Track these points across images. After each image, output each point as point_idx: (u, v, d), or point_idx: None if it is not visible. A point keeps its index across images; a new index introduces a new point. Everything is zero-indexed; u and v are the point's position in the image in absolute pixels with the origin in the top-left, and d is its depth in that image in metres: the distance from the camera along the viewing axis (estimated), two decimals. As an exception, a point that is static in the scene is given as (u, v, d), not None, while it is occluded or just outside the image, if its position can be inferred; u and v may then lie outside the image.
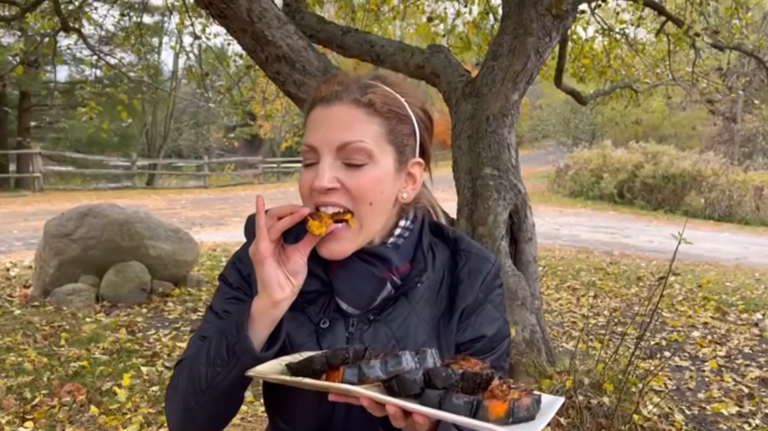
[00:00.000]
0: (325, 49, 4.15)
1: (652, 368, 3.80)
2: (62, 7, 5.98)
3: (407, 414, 0.76)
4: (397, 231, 1.00)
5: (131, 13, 8.19)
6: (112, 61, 8.94)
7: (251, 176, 23.98)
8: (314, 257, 0.96)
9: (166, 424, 3.02)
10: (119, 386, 3.48)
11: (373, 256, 0.97)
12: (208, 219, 11.74)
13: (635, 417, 2.91)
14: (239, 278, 1.03)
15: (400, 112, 0.96)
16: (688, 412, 3.39)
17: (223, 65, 7.43)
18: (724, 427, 3.24)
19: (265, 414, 1.09)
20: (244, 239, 1.02)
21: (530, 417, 0.73)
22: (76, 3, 6.60)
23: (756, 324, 5.39)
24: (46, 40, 6.92)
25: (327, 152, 0.92)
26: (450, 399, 0.73)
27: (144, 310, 5.21)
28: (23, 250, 7.74)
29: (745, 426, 3.28)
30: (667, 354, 4.49)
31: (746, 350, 4.66)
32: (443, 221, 1.09)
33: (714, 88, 8.21)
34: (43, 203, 13.50)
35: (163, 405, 3.32)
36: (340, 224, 0.91)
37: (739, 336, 5.00)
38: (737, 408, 3.50)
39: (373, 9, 6.33)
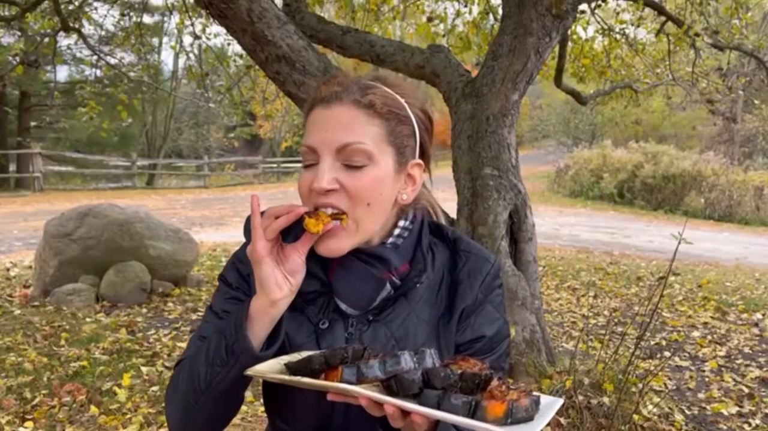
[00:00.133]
0: (325, 49, 4.15)
1: (652, 368, 3.80)
2: (62, 7, 5.97)
3: (406, 413, 0.76)
4: (396, 231, 1.00)
5: (131, 13, 8.19)
6: (112, 61, 8.93)
7: (251, 176, 23.98)
8: (313, 258, 0.96)
9: (166, 424, 3.02)
10: (119, 386, 3.48)
11: (372, 256, 0.96)
12: (208, 219, 11.74)
13: (635, 417, 2.91)
14: (239, 278, 1.03)
15: (400, 113, 0.96)
16: (688, 412, 3.39)
17: (223, 65, 7.43)
18: (724, 427, 3.24)
19: (265, 414, 1.09)
20: (243, 239, 1.02)
21: (529, 418, 0.73)
22: (76, 3, 6.60)
23: (756, 324, 5.39)
24: (46, 40, 6.92)
25: (327, 153, 0.92)
26: (448, 399, 0.73)
27: (144, 310, 5.21)
28: (23, 250, 7.74)
29: (745, 426, 3.28)
30: (667, 354, 4.49)
31: (746, 350, 4.66)
32: (443, 221, 1.09)
33: (714, 88, 8.21)
34: (43, 203, 13.50)
35: (163, 405, 3.32)
36: (337, 222, 0.91)
37: (739, 336, 5.00)
38: (737, 408, 3.50)
39: (373, 9, 6.33)
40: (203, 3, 3.03)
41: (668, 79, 7.60)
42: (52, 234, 5.41)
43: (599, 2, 5.95)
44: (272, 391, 1.04)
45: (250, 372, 0.88)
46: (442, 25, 6.49)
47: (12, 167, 18.41)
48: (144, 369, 3.77)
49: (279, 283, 0.91)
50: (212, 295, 1.07)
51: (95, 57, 7.70)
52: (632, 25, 6.74)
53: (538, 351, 3.32)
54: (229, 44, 8.19)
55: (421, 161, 1.00)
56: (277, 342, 0.93)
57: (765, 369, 4.22)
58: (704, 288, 6.79)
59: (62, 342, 4.24)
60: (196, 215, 12.33)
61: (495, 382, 0.78)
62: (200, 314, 5.15)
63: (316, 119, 0.95)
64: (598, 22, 6.95)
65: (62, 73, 20.29)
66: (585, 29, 7.10)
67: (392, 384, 0.77)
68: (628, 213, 15.60)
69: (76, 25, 6.35)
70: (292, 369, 0.84)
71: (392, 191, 0.96)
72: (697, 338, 4.92)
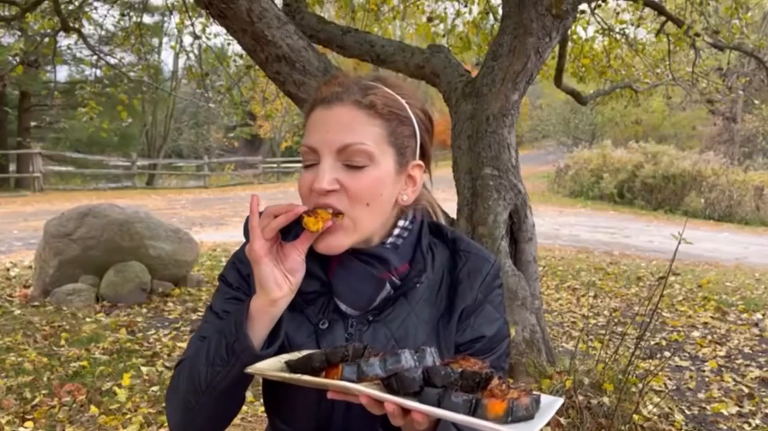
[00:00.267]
0: (325, 49, 4.15)
1: (652, 368, 3.80)
2: (62, 7, 5.97)
3: (406, 412, 0.76)
4: (396, 231, 1.00)
5: (131, 13, 8.19)
6: (112, 61, 8.93)
7: (251, 176, 23.98)
8: (313, 258, 0.96)
9: (166, 424, 3.03)
10: (119, 386, 3.48)
11: (371, 256, 0.96)
12: (208, 219, 11.74)
13: (635, 417, 2.91)
14: (239, 278, 1.03)
15: (401, 113, 0.96)
16: (688, 412, 3.39)
17: (223, 65, 7.43)
18: (724, 427, 3.24)
19: (265, 415, 1.09)
20: (243, 239, 1.02)
21: (529, 417, 0.73)
22: (76, 3, 6.60)
23: (756, 324, 5.39)
24: (46, 40, 6.92)
25: (327, 153, 0.92)
26: (449, 397, 0.73)
27: (144, 310, 5.21)
28: (23, 250, 7.74)
29: (745, 426, 3.28)
30: (667, 354, 4.49)
31: (746, 350, 4.66)
32: (443, 221, 1.09)
33: (714, 88, 8.21)
34: (43, 203, 13.50)
35: (164, 405, 3.32)
36: (336, 219, 0.91)
37: (739, 336, 5.00)
38: (737, 408, 3.50)
39: (373, 9, 6.33)
40: (203, 3, 3.03)
41: (668, 79, 7.60)
42: (52, 234, 5.41)
43: (599, 2, 5.95)
44: (272, 391, 1.04)
45: (250, 370, 0.88)
46: (442, 25, 6.49)
47: (12, 167, 18.42)
48: (144, 369, 3.77)
49: (278, 282, 0.91)
50: (212, 295, 1.06)
51: (95, 57, 7.70)
52: (632, 25, 6.74)
53: (538, 351, 3.32)
54: (229, 44, 8.20)
55: (421, 162, 1.00)
56: (277, 341, 0.93)
57: (765, 369, 4.22)
58: (704, 288, 6.79)
59: (62, 342, 4.24)
60: (196, 215, 12.33)
61: (495, 381, 0.78)
62: (200, 314, 5.15)
63: (317, 119, 0.94)
64: (598, 22, 6.95)
65: (62, 73, 20.32)
66: (585, 29, 7.10)
67: (393, 382, 0.77)
68: (628, 213, 15.60)
69: (76, 25, 6.35)
70: (292, 366, 0.84)
71: (392, 192, 0.96)
72: (697, 338, 4.92)
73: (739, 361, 4.38)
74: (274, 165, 25.84)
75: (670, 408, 3.32)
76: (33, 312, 4.96)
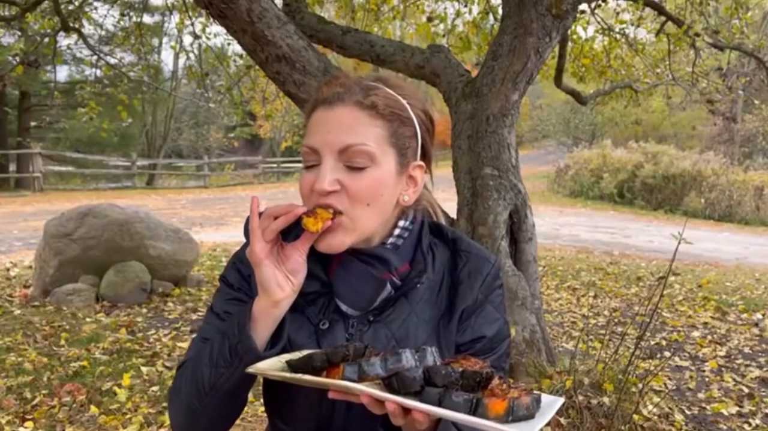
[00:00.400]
0: (325, 49, 4.15)
1: (652, 368, 3.80)
2: (62, 7, 5.98)
3: (407, 411, 0.76)
4: (397, 232, 1.00)
5: (131, 13, 8.19)
6: (112, 61, 8.93)
7: (251, 176, 23.99)
8: (314, 258, 0.96)
9: (166, 424, 3.03)
10: (119, 386, 3.48)
11: (372, 257, 0.96)
12: (208, 219, 11.74)
13: (635, 417, 2.91)
14: (240, 278, 1.03)
15: (402, 114, 0.96)
16: (688, 412, 3.39)
17: (223, 65, 7.43)
18: (724, 427, 3.24)
19: (265, 415, 1.09)
20: (244, 239, 1.02)
21: (530, 416, 0.73)
22: (76, 3, 6.60)
23: (756, 324, 5.39)
24: (46, 40, 6.92)
25: (329, 154, 0.92)
26: (450, 396, 0.73)
27: (144, 310, 5.21)
28: (23, 250, 7.74)
29: (745, 426, 3.28)
30: (667, 354, 4.49)
31: (746, 350, 4.66)
32: (443, 221, 1.09)
33: (714, 88, 8.21)
34: (43, 203, 13.50)
35: (164, 405, 3.33)
36: (336, 218, 0.91)
37: (739, 336, 5.00)
38: (737, 408, 3.50)
39: (373, 9, 6.33)
40: (203, 3, 3.03)
41: (668, 79, 7.60)
42: (52, 234, 5.41)
43: (599, 2, 5.95)
44: (273, 392, 1.04)
45: (251, 369, 0.88)
46: (442, 25, 6.49)
47: (12, 167, 18.42)
48: (144, 369, 3.77)
49: (280, 283, 0.91)
50: (213, 296, 1.06)
51: (95, 57, 7.70)
52: (632, 25, 6.74)
53: (538, 351, 3.32)
54: (229, 44, 8.20)
55: (422, 163, 1.00)
56: (280, 342, 0.93)
57: (765, 369, 4.22)
58: (704, 288, 6.79)
59: (62, 342, 4.24)
60: (196, 215, 12.33)
61: (496, 380, 0.78)
62: (200, 314, 5.16)
63: (318, 119, 0.94)
64: (598, 22, 6.95)
65: (62, 73, 20.32)
66: (585, 29, 7.10)
67: (393, 382, 0.77)
68: (628, 213, 15.60)
69: (76, 25, 6.35)
70: (293, 366, 0.84)
71: (393, 193, 0.96)
72: (697, 338, 4.92)
73: (739, 361, 4.38)
74: (274, 165, 25.84)
75: (670, 408, 3.32)
76: (33, 312, 4.96)
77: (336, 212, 0.91)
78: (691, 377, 4.00)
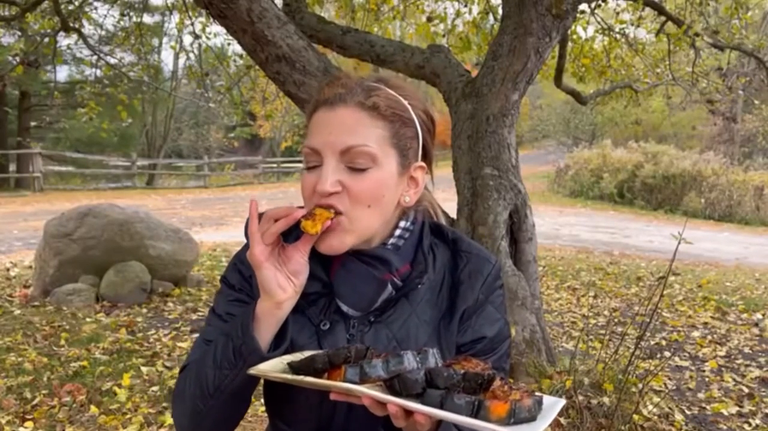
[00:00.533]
0: (325, 49, 4.15)
1: (652, 368, 3.80)
2: (62, 7, 5.97)
3: (408, 413, 0.76)
4: (397, 232, 1.00)
5: (131, 13, 8.19)
6: (112, 61, 8.93)
7: (251, 176, 23.98)
8: (315, 259, 0.96)
9: (166, 424, 3.03)
10: (119, 386, 3.48)
11: (373, 257, 0.96)
12: (208, 219, 11.74)
13: (635, 417, 2.91)
14: (241, 279, 1.03)
15: (404, 115, 0.96)
16: (688, 412, 3.39)
17: (223, 65, 7.43)
18: (724, 427, 3.24)
19: (266, 415, 1.09)
20: (244, 240, 1.02)
21: (531, 418, 0.73)
22: (76, 3, 6.60)
23: (756, 324, 5.39)
24: (46, 40, 6.91)
25: (330, 155, 0.91)
26: (451, 399, 0.73)
27: (144, 310, 5.21)
28: (23, 250, 7.74)
29: (745, 426, 3.28)
30: (667, 354, 4.49)
31: (746, 350, 4.66)
32: (443, 221, 1.09)
33: (714, 88, 8.21)
34: (43, 203, 13.50)
35: (164, 405, 3.33)
36: (335, 218, 0.91)
37: (739, 336, 5.00)
38: (737, 408, 3.50)
39: (373, 9, 6.33)
40: (203, 3, 3.03)
41: (668, 79, 7.60)
42: (52, 234, 5.41)
43: (599, 2, 5.95)
44: (273, 392, 1.04)
45: (253, 371, 0.88)
46: (442, 25, 6.49)
47: (12, 167, 18.42)
48: (144, 369, 3.77)
49: (282, 285, 0.91)
50: (214, 298, 1.06)
51: (95, 57, 7.70)
52: (632, 25, 6.74)
53: (538, 351, 3.32)
54: (229, 44, 8.20)
55: (423, 164, 1.00)
56: (284, 343, 0.93)
57: (765, 369, 4.22)
58: (704, 288, 6.79)
59: (62, 342, 4.24)
60: (196, 215, 12.33)
61: (497, 382, 0.78)
62: (200, 314, 5.16)
63: (320, 120, 0.94)
64: (598, 22, 6.95)
65: (62, 73, 20.31)
66: (585, 29, 7.10)
67: (395, 384, 0.77)
68: (628, 213, 15.60)
69: (76, 25, 6.34)
70: (295, 368, 0.84)
71: (395, 194, 0.96)
72: (697, 338, 4.92)
73: (739, 361, 4.38)
74: (274, 165, 25.83)
75: (670, 408, 3.32)
76: (33, 312, 4.95)
77: (337, 212, 0.91)
78: (691, 377, 4.00)
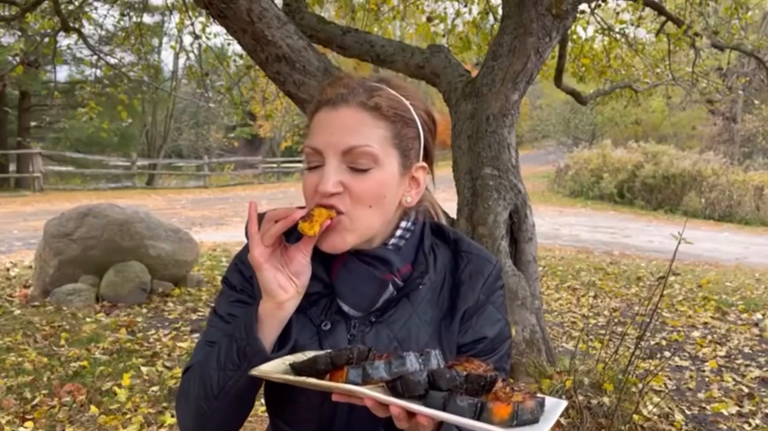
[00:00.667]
0: (325, 49, 4.15)
1: (652, 368, 3.80)
2: (62, 7, 5.97)
3: (411, 415, 0.76)
4: (398, 233, 1.00)
5: (131, 13, 8.19)
6: (112, 61, 8.93)
7: (251, 176, 23.98)
8: (316, 259, 0.96)
9: (166, 424, 3.03)
10: (119, 386, 3.48)
11: (374, 258, 0.96)
12: (208, 219, 11.74)
13: (635, 417, 2.91)
14: (242, 280, 1.03)
15: (406, 115, 0.96)
16: (688, 412, 3.39)
17: (223, 65, 7.43)
18: (724, 427, 3.24)
19: (266, 415, 1.09)
20: (244, 240, 1.02)
21: (534, 420, 0.73)
22: (76, 3, 6.59)
23: (756, 324, 5.39)
24: (46, 40, 6.91)
25: (332, 155, 0.91)
26: (454, 400, 0.73)
27: (144, 310, 5.21)
28: (23, 250, 7.74)
29: (745, 426, 3.28)
30: (667, 354, 4.49)
31: (746, 350, 4.66)
32: (444, 222, 1.09)
33: (714, 88, 8.20)
34: (43, 203, 13.50)
35: (164, 404, 3.33)
36: (336, 217, 0.91)
37: (739, 336, 5.00)
38: (737, 408, 3.50)
39: (373, 9, 6.33)
40: (203, 3, 3.03)
41: (668, 79, 7.60)
42: (52, 234, 5.41)
43: (599, 2, 5.95)
44: (274, 392, 1.04)
45: (255, 372, 0.88)
46: (442, 25, 6.49)
47: (12, 167, 18.42)
48: (144, 369, 3.77)
49: (283, 286, 0.91)
50: (216, 299, 1.06)
51: (95, 57, 7.70)
52: (632, 25, 6.74)
53: (538, 351, 3.32)
54: (229, 44, 8.20)
55: (425, 164, 1.00)
56: (288, 344, 0.93)
57: (765, 369, 4.22)
58: (704, 288, 6.79)
59: (62, 342, 4.24)
60: (196, 215, 12.33)
61: (500, 384, 0.78)
62: (200, 314, 5.16)
63: (322, 120, 0.94)
64: (598, 22, 6.95)
65: (62, 73, 20.30)
66: (585, 29, 7.10)
67: (397, 386, 0.77)
68: (628, 213, 15.61)
69: (76, 25, 6.34)
70: (297, 369, 0.84)
71: (396, 194, 0.96)
72: (697, 338, 4.92)
73: (739, 361, 4.38)
74: (274, 165, 25.83)
75: (670, 408, 3.32)
76: (33, 312, 4.95)
77: (338, 212, 0.91)
78: (691, 377, 4.00)
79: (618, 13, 6.84)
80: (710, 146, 21.85)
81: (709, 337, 4.97)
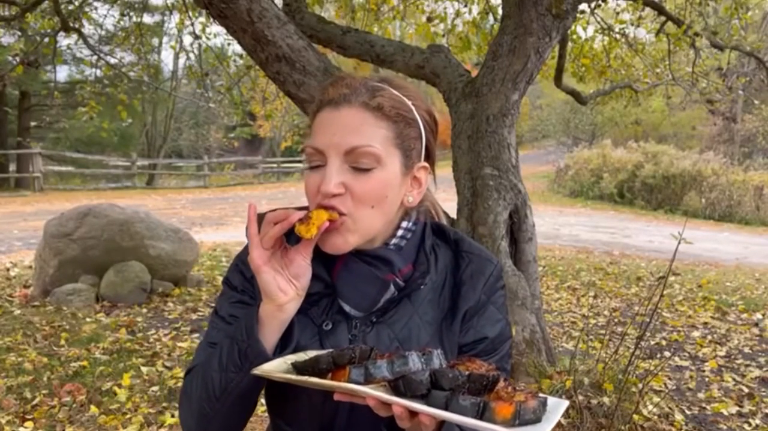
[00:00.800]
0: (325, 49, 4.15)
1: (652, 368, 3.80)
2: (62, 7, 5.97)
3: (413, 414, 0.76)
4: (400, 233, 1.00)
5: (131, 13, 8.19)
6: (112, 61, 8.93)
7: (251, 176, 23.98)
8: (317, 259, 0.95)
9: (166, 424, 3.03)
10: (119, 386, 3.48)
11: (375, 258, 0.97)
12: (208, 219, 11.74)
13: (635, 417, 2.91)
14: (243, 280, 1.03)
15: (408, 115, 0.96)
16: (688, 412, 3.39)
17: (223, 65, 7.43)
18: (724, 427, 3.24)
19: (266, 415, 1.09)
20: (244, 240, 1.01)
21: (536, 420, 0.73)
22: (76, 3, 6.59)
23: (756, 324, 5.39)
24: (46, 40, 6.91)
25: (334, 155, 0.91)
26: (456, 400, 0.73)
27: (144, 310, 5.21)
28: (23, 250, 7.74)
29: (745, 426, 3.28)
30: (667, 354, 4.49)
31: (746, 350, 4.66)
32: (444, 221, 1.09)
33: (714, 88, 8.20)
34: (43, 203, 13.49)
35: (164, 404, 3.33)
36: (336, 219, 0.91)
37: (739, 336, 5.00)
38: (737, 408, 3.50)
39: (373, 9, 6.33)
40: (203, 3, 3.03)
41: (668, 79, 7.60)
42: (52, 234, 5.41)
43: (599, 2, 5.95)
44: (275, 392, 1.04)
45: (257, 371, 0.88)
46: (442, 25, 6.50)
47: (12, 167, 18.42)
48: (144, 369, 3.77)
49: (282, 288, 0.91)
50: (217, 300, 1.06)
51: (95, 57, 7.70)
52: (632, 25, 6.74)
53: (538, 351, 3.32)
54: (229, 44, 8.20)
55: (426, 164, 1.00)
56: (290, 345, 0.93)
57: (765, 369, 4.22)
58: (704, 288, 6.79)
59: (62, 342, 4.24)
60: (196, 215, 12.33)
61: (502, 383, 0.78)
62: (200, 314, 5.16)
63: (324, 120, 0.94)
64: (598, 22, 6.95)
65: (62, 73, 20.30)
66: (585, 29, 7.10)
67: (400, 385, 0.76)
68: (628, 213, 15.61)
69: (76, 25, 6.34)
70: (299, 368, 0.84)
71: (398, 194, 0.96)
72: (697, 338, 4.92)
73: (739, 361, 4.38)
74: (274, 165, 25.82)
75: (670, 408, 3.32)
76: (33, 312, 4.95)
77: (340, 213, 0.91)
78: (691, 377, 4.00)
79: (618, 13, 6.84)
80: (710, 146, 21.87)
81: (709, 337, 4.97)
